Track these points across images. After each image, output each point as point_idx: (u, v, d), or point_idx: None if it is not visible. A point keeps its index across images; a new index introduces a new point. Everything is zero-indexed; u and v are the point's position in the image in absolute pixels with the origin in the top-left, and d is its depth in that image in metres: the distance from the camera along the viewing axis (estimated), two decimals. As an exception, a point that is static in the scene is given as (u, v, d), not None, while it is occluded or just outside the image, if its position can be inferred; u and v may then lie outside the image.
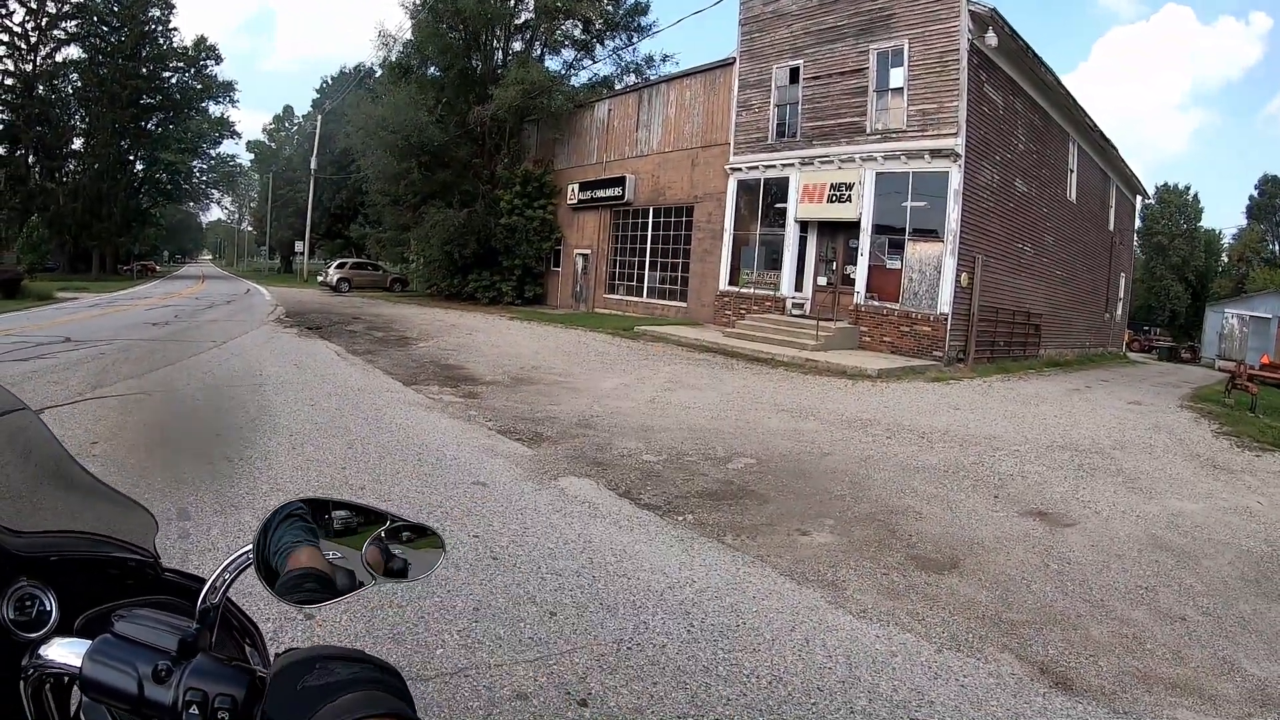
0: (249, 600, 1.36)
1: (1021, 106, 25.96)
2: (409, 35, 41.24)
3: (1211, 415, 17.45)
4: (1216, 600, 6.23)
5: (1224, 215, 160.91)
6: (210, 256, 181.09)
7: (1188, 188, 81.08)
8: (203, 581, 1.23)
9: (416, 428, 10.15)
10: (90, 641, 1.03)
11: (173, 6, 66.06)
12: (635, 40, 42.51)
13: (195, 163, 74.85)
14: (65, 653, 1.04)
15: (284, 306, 30.70)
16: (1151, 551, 7.31)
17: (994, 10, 21.70)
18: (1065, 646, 5.09)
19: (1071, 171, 31.33)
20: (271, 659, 1.11)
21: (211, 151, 76.89)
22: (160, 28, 65.99)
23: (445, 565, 5.33)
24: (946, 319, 21.89)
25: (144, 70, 64.64)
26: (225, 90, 73.14)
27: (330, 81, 79.56)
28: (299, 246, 70.05)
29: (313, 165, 59.60)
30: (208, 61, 71.01)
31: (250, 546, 1.20)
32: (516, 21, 40.94)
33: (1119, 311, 42.36)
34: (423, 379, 14.24)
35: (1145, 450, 12.72)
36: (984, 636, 5.12)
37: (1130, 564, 6.91)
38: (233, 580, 1.17)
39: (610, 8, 40.71)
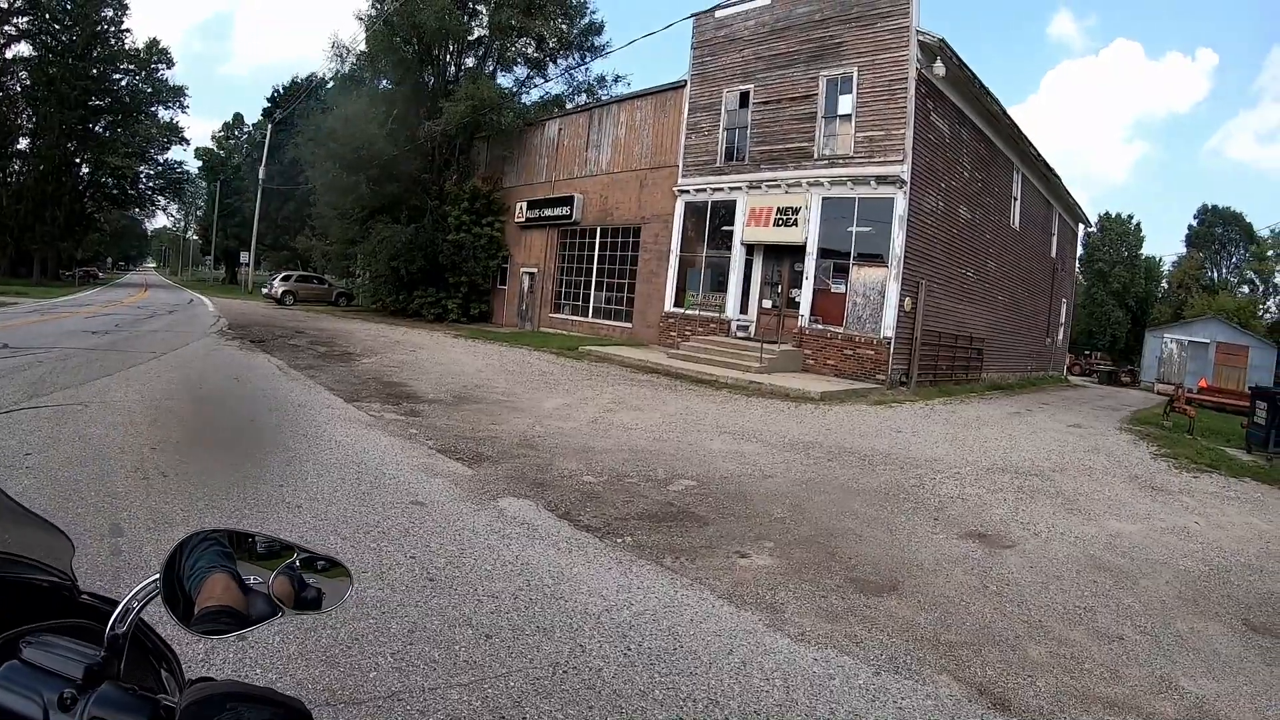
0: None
1: (967, 135, 26.34)
2: (363, 47, 41.00)
3: (1150, 437, 17.77)
4: (1154, 619, 6.33)
5: (1164, 244, 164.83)
6: (154, 264, 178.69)
7: (1130, 216, 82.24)
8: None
9: (356, 445, 10.01)
10: None
11: (126, 7, 64.86)
12: (588, 60, 42.70)
13: (142, 168, 73.40)
14: None
15: (227, 318, 30.26)
16: (1090, 572, 7.40)
17: (943, 41, 22.03)
18: (1003, 667, 5.13)
19: (1015, 199, 31.84)
20: (186, 685, 1.09)
21: (159, 157, 75.33)
22: (113, 28, 64.72)
23: (381, 589, 5.39)
24: (890, 343, 22.09)
25: (94, 71, 63.33)
26: (176, 95, 71.79)
27: (282, 91, 78.71)
28: (244, 257, 69.13)
29: (261, 175, 58.83)
30: (159, 65, 69.67)
31: (157, 576, 1.19)
32: (470, 37, 40.77)
33: (1060, 336, 43.00)
34: (365, 396, 14.07)
35: (1084, 472, 12.89)
36: (922, 658, 5.14)
37: (1069, 584, 6.98)
38: (141, 608, 1.15)
39: (564, 27, 40.69)
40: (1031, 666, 5.19)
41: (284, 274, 52.56)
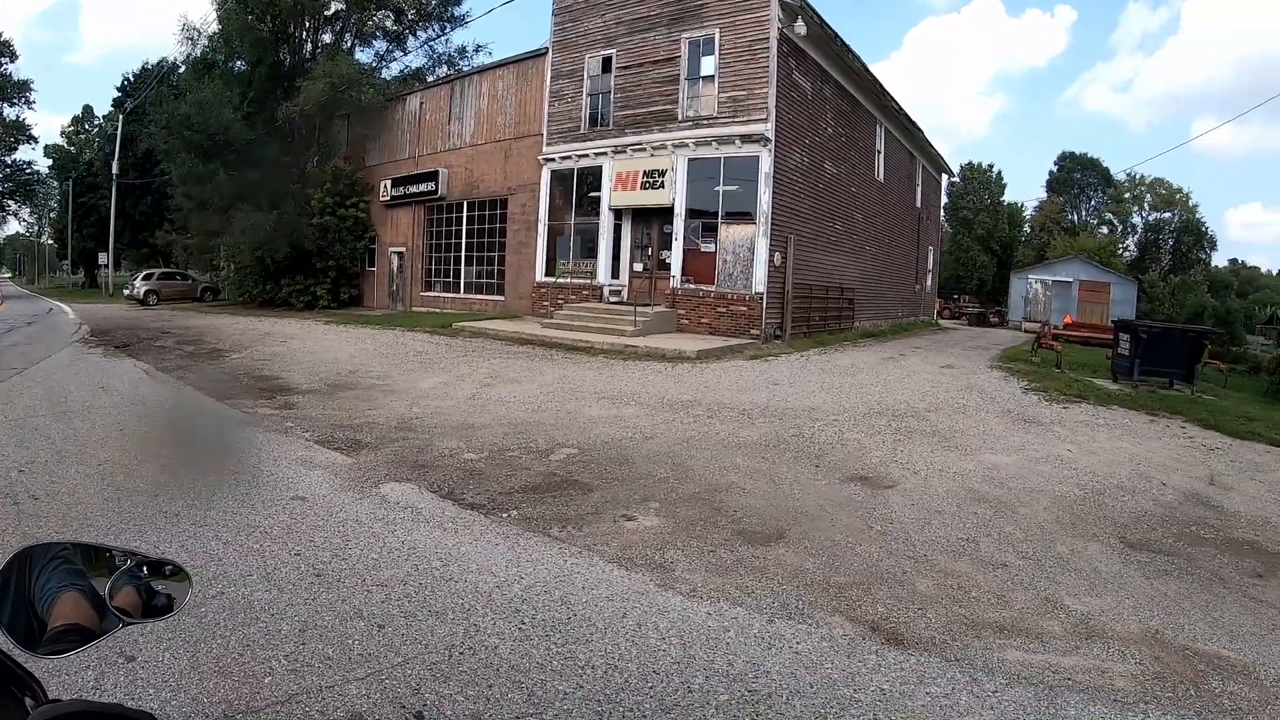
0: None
1: (830, 92, 26.71)
2: (215, 28, 39.73)
3: (1020, 374, 18.39)
4: (1035, 545, 6.53)
5: (1026, 190, 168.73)
6: (9, 274, 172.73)
7: (990, 165, 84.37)
8: None
9: (230, 444, 9.78)
10: None
11: (-39, 0, 61.97)
12: (448, 31, 42.15)
13: (-11, 172, 70.64)
14: None
15: (89, 324, 29.16)
16: (970, 505, 7.60)
17: (804, 0, 22.11)
18: (893, 603, 5.22)
19: (879, 153, 32.51)
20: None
21: (6, 159, 72.06)
22: (-51, 20, 61.88)
23: (268, 590, 5.27)
24: (762, 298, 22.33)
25: (-71, 69, 60.43)
26: (20, 90, 67.78)
27: (132, 79, 76.02)
28: (103, 258, 66.56)
29: (114, 170, 56.86)
30: (1, 59, 66.33)
31: None
32: (327, 12, 39.95)
33: (929, 282, 44.07)
34: (236, 393, 13.67)
35: (959, 410, 13.23)
36: (814, 602, 5.21)
37: (950, 519, 7.15)
38: None
39: (423, -3, 40.01)
40: (921, 600, 5.30)
41: (145, 273, 50.79)
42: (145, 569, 1.27)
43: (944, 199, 56.08)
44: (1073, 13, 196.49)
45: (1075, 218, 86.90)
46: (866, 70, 28.25)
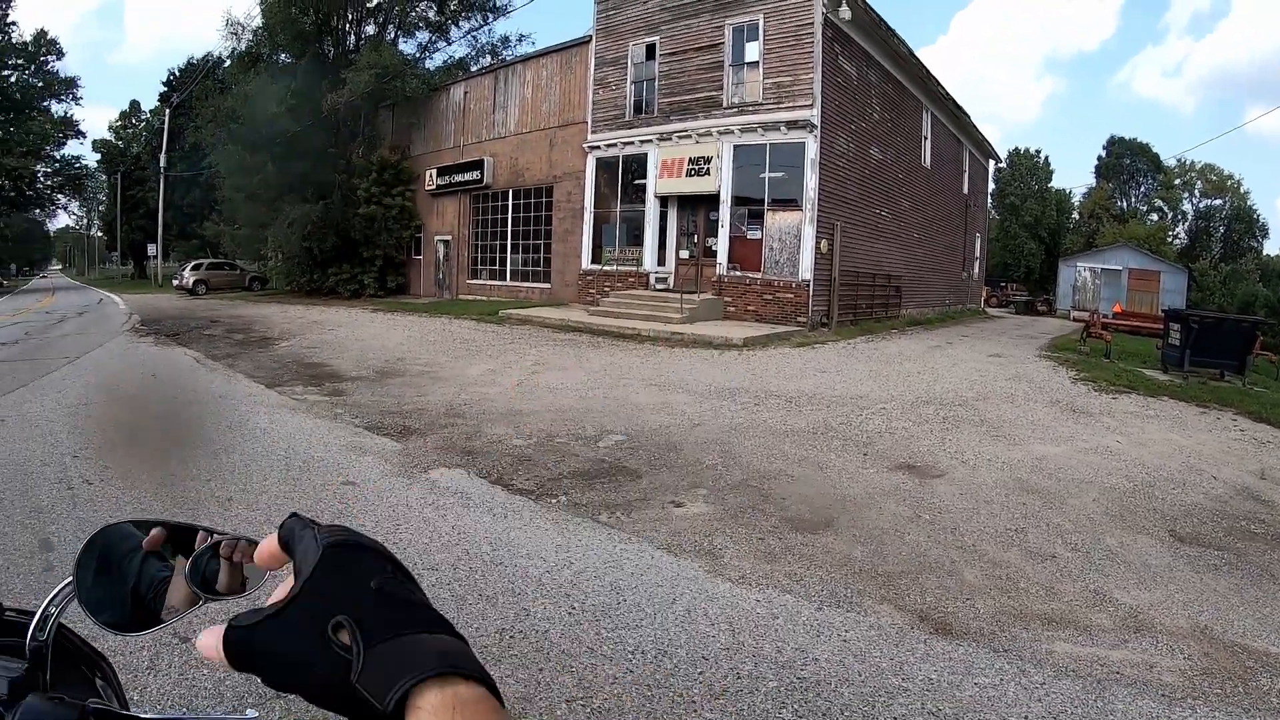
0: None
1: (876, 77, 26.47)
2: (258, 22, 40.03)
3: (1069, 363, 18.12)
4: (1084, 536, 6.45)
5: (1074, 176, 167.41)
6: (60, 266, 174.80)
7: (1038, 151, 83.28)
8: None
9: (282, 431, 9.83)
10: None
11: (9, 1, 63.17)
12: (490, 21, 42.38)
13: (39, 167, 71.48)
14: None
15: (139, 314, 29.52)
16: (1019, 495, 7.51)
17: (848, -17, 21.97)
18: (941, 593, 5.19)
19: (926, 138, 32.17)
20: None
21: (56, 154, 73.01)
22: (-4, 22, 63.09)
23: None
24: (808, 285, 22.20)
25: (-21, 68, 61.61)
26: (68, 87, 69.04)
27: (178, 74, 76.85)
28: (151, 250, 67.34)
29: (162, 163, 57.59)
30: (49, 57, 67.13)
31: (70, 580, 1.10)
32: (369, 4, 40.16)
33: (976, 270, 43.57)
34: (286, 380, 13.80)
35: (1007, 399, 13.08)
36: (862, 590, 5.19)
37: (999, 508, 7.08)
38: (59, 613, 1.09)
39: (464, -13, 40.11)
40: (969, 590, 5.26)
41: (194, 263, 51.34)
42: (216, 545, 1.28)
43: (991, 185, 55.49)
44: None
45: (1124, 204, 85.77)
46: (912, 55, 27.98)
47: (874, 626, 4.67)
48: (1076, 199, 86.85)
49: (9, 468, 7.69)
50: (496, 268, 34.18)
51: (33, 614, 1.19)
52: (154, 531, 1.19)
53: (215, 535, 1.24)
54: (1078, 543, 6.30)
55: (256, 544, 1.27)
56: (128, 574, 1.15)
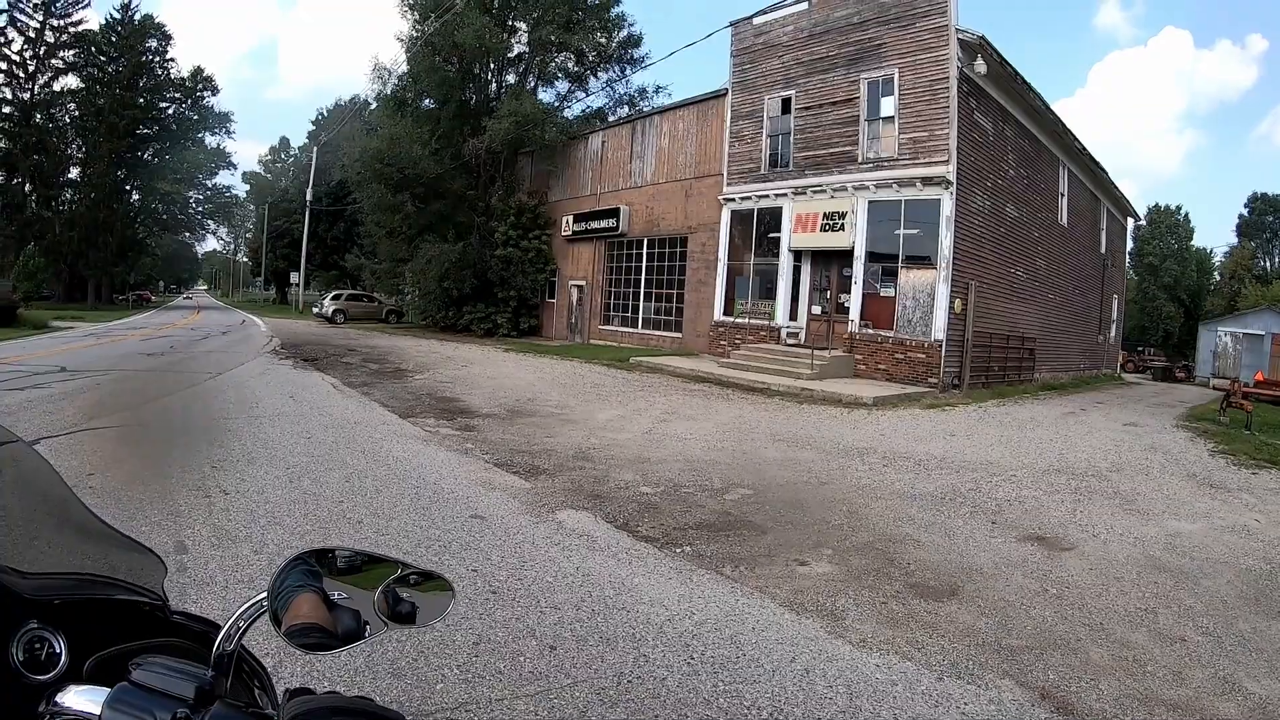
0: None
1: (1011, 132, 26.10)
2: (404, 68, 41.35)
3: (1207, 434, 17.51)
4: (1216, 620, 6.25)
5: (1215, 234, 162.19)
6: (205, 287, 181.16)
7: (1179, 208, 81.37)
8: (211, 624, 1.29)
9: (413, 460, 10.13)
10: (108, 689, 1.03)
11: (169, 38, 66.87)
12: (628, 72, 43.02)
13: (191, 193, 75.08)
14: (83, 700, 1.04)
15: (280, 338, 30.62)
16: (1150, 573, 7.33)
17: (983, 38, 21.90)
18: (1065, 671, 5.08)
19: (1062, 195, 31.51)
20: (280, 700, 1.13)
21: (207, 182, 77.17)
22: (158, 58, 66.57)
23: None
24: (941, 345, 21.97)
25: (141, 100, 65.15)
26: (221, 121, 73.76)
27: (326, 114, 79.74)
28: (294, 277, 69.97)
29: (308, 197, 59.69)
30: (204, 92, 71.48)
31: (265, 595, 1.23)
32: (510, 54, 41.06)
33: (1113, 333, 42.38)
34: (419, 411, 14.20)
35: (1142, 471, 12.74)
36: (984, 663, 5.11)
37: (1129, 586, 6.92)
38: (247, 627, 1.19)
39: (603, 40, 41.02)
40: (1094, 670, 5.15)
41: (334, 293, 53.08)
42: (412, 579, 1.33)
43: (1129, 244, 54.25)
44: (1264, 42, 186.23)
45: (1268, 264, 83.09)
46: (1048, 109, 27.46)
47: (994, 701, 4.61)
48: (1218, 259, 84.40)
49: (148, 472, 8.14)
50: (629, 314, 34.50)
51: (202, 620, 1.36)
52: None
53: (404, 566, 1.38)
54: (1209, 626, 6.11)
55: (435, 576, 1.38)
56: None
